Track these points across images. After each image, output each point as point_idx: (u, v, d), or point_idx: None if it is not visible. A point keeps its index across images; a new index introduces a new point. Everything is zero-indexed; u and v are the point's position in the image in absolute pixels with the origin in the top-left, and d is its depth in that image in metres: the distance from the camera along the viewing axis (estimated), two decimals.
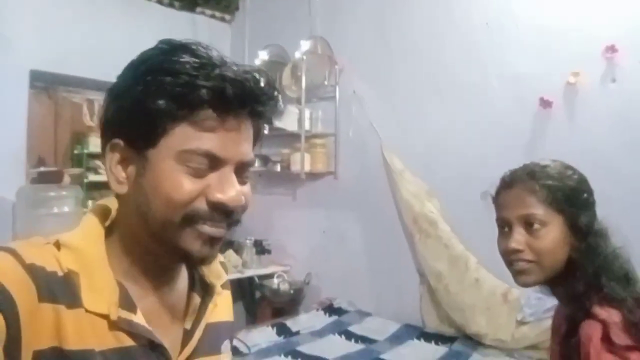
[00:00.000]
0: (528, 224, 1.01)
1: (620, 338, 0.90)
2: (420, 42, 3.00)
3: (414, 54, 3.01)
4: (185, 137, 0.59)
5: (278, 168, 3.40)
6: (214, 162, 0.60)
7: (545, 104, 2.49)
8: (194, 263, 0.65)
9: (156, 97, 0.58)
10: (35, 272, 0.56)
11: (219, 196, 0.60)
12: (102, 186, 3.48)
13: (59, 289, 0.58)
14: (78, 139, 3.42)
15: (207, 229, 0.61)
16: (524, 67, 2.56)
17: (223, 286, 0.77)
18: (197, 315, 0.71)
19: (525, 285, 1.05)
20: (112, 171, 0.63)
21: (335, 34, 3.34)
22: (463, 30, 2.83)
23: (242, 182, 0.64)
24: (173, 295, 0.70)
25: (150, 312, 0.64)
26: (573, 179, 1.04)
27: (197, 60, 0.58)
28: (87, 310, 0.59)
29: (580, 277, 1.00)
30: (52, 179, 3.02)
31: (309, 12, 3.42)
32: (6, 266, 0.55)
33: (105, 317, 0.60)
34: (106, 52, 3.27)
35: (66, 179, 3.07)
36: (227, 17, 4.10)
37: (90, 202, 3.36)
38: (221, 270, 0.78)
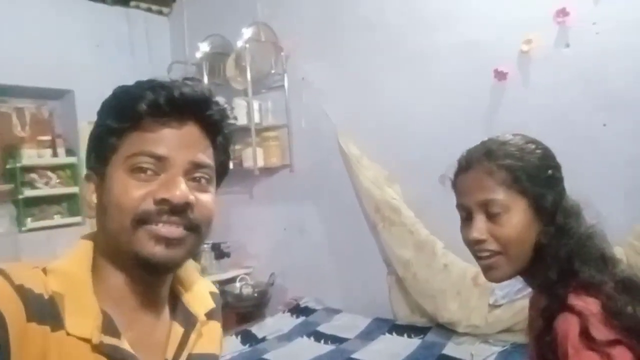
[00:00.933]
0: (489, 209, 0.90)
1: (600, 332, 0.78)
2: (367, 15, 2.83)
3: (362, 29, 2.84)
4: (130, 144, 0.64)
5: (230, 165, 3.19)
6: (160, 164, 0.64)
7: (500, 75, 2.38)
8: (153, 267, 0.65)
9: (105, 118, 0.66)
10: (23, 293, 0.58)
11: (163, 194, 0.63)
12: (42, 201, 3.22)
13: (45, 311, 0.59)
14: (9, 152, 3.11)
15: (158, 228, 0.63)
16: (475, 36, 2.43)
17: (210, 316, 0.78)
18: (179, 345, 0.70)
19: (495, 281, 0.97)
20: (85, 198, 0.69)
21: (278, 18, 3.16)
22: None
23: (200, 189, 0.67)
24: (157, 324, 0.71)
25: (134, 340, 0.65)
26: (535, 154, 0.93)
27: (142, 84, 0.66)
28: (68, 334, 0.60)
29: (552, 263, 0.90)
30: None
31: None
32: None
33: (87, 341, 0.61)
34: (33, 55, 3.05)
35: None
36: (164, 9, 3.88)
37: (29, 220, 3.11)
38: (208, 298, 0.80)
